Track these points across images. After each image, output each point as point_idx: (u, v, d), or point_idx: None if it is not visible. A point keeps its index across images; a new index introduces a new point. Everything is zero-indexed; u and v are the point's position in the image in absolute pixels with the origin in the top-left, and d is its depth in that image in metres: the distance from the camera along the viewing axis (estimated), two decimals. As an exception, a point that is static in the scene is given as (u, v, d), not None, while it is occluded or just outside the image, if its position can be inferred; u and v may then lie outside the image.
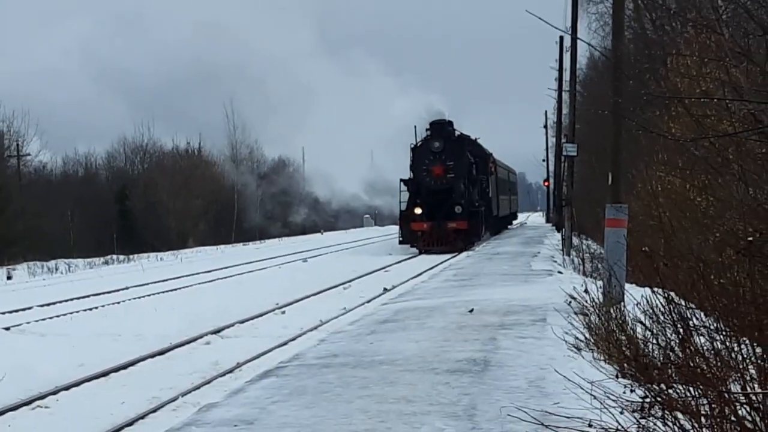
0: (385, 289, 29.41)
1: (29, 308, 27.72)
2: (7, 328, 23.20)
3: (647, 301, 10.73)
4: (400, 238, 50.50)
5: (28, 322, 24.31)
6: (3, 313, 26.54)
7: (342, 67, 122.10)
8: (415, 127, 53.34)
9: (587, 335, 12.77)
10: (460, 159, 50.72)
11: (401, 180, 51.93)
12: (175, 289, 33.50)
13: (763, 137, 9.81)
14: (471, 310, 18.62)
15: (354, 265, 40.85)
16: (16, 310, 27.23)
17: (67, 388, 15.28)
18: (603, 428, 6.71)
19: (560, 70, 55.46)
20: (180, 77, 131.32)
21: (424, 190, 49.87)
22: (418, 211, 49.25)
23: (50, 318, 25.27)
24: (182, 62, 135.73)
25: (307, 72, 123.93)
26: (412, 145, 51.61)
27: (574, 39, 36.57)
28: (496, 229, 64.56)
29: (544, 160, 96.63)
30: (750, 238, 8.05)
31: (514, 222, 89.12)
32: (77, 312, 26.57)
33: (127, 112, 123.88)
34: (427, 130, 51.50)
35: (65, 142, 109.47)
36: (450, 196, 49.23)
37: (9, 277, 46.57)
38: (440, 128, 50.98)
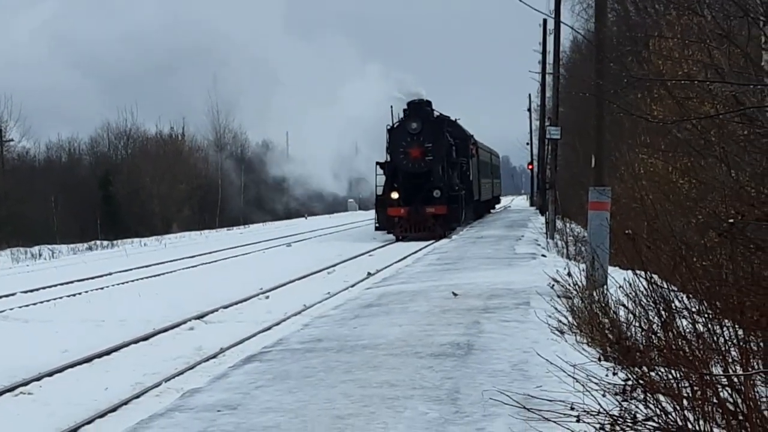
0: (369, 274, 29.42)
1: (12, 294, 27.61)
2: (-9, 314, 23.18)
3: (630, 284, 10.74)
4: (376, 224, 48.22)
5: (11, 309, 24.23)
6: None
7: (319, 50, 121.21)
8: (391, 107, 50.79)
9: (570, 319, 12.79)
10: (438, 140, 48.14)
11: (377, 163, 49.34)
12: (159, 275, 33.44)
13: (744, 119, 9.82)
14: (455, 294, 18.64)
15: (338, 249, 40.85)
16: (-1, 297, 27.15)
17: (50, 374, 15.24)
18: (585, 411, 6.71)
19: (543, 53, 54.62)
20: (158, 61, 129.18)
21: (401, 173, 47.50)
22: (394, 195, 46.89)
23: (33, 304, 25.18)
24: (158, 46, 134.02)
25: (283, 55, 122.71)
26: (389, 127, 48.99)
27: (558, 22, 36.58)
28: (477, 213, 62.44)
29: (528, 144, 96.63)
30: (731, 220, 8.05)
31: (497, 206, 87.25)
32: (61, 298, 26.50)
33: (109, 98, 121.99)
34: (404, 110, 48.92)
35: (47, 128, 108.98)
36: (428, 179, 46.93)
37: (-7, 263, 46.41)
38: (418, 108, 48.49)
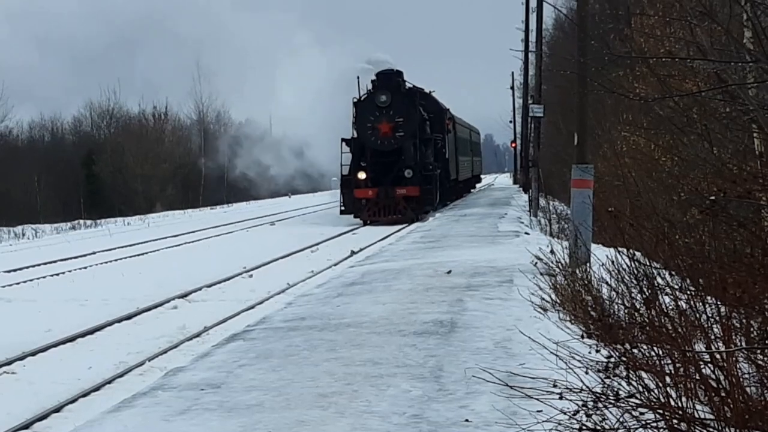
0: (353, 252, 29.43)
1: (-6, 274, 27.58)
2: (-27, 294, 23.12)
3: (612, 262, 10.78)
4: (342, 207, 43.71)
5: (-6, 288, 24.20)
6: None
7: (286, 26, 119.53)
8: (358, 78, 44.63)
9: (553, 296, 12.81)
10: (410, 115, 43.31)
11: (342, 140, 44.29)
12: (143, 254, 33.42)
13: (726, 96, 9.82)
14: (449, 272, 18.65)
15: (321, 228, 40.96)
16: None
17: (33, 353, 15.22)
18: (568, 388, 6.71)
19: (526, 31, 54.35)
20: (136, 38, 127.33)
21: (368, 151, 43.13)
22: (361, 175, 42.61)
23: (17, 284, 25.15)
24: (135, 22, 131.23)
25: (250, 29, 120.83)
26: (355, 99, 43.90)
27: (540, 0, 36.54)
28: (455, 194, 58.48)
29: (511, 122, 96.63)
30: (713, 198, 8.05)
31: (478, 185, 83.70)
32: (44, 277, 26.46)
33: (92, 77, 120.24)
34: (372, 81, 44.05)
35: (30, 107, 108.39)
36: (399, 158, 42.73)
37: (-26, 243, 46.27)
38: (387, 79, 43.70)
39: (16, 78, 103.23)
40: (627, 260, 10.02)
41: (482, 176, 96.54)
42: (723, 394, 6.23)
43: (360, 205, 42.78)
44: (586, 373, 7.10)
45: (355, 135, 43.81)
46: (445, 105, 53.18)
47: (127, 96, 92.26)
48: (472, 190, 73.90)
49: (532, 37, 46.02)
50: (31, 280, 25.84)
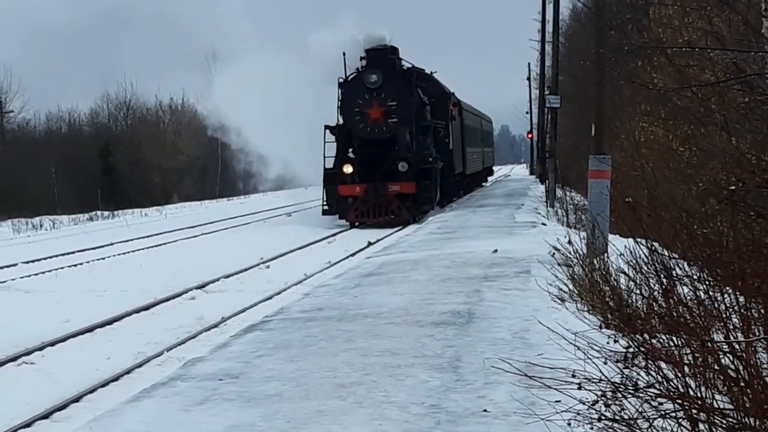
0: (370, 243, 29.41)
1: (14, 265, 27.64)
2: (-7, 285, 23.21)
3: (630, 252, 10.76)
4: (324, 207, 37.65)
5: (13, 279, 24.28)
6: (-13, 270, 26.52)
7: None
8: (344, 54, 37.93)
9: (571, 286, 12.81)
10: (406, 98, 37.03)
11: (326, 127, 37.69)
12: (160, 245, 33.47)
13: (745, 86, 9.80)
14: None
15: (337, 219, 40.78)
16: (1, 267, 27.15)
17: (52, 344, 15.26)
18: (586, 378, 6.72)
19: (543, 21, 53.76)
20: (143, 29, 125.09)
21: (357, 140, 36.88)
22: (348, 169, 36.47)
23: (35, 275, 25.22)
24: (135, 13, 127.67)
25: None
26: (341, 80, 37.64)
27: (557, -9, 36.51)
28: (462, 189, 51.56)
29: (527, 113, 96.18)
30: (732, 188, 8.04)
31: (490, 178, 77.19)
32: (62, 268, 26.54)
33: (108, 67, 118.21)
34: (361, 58, 37.82)
35: (47, 98, 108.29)
36: (392, 148, 36.41)
37: (-7, 234, 46.42)
38: (379, 57, 37.43)
39: (24, 70, 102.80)
40: (645, 250, 10.01)
41: (495, 168, 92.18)
42: (742, 384, 6.23)
43: (346, 204, 36.84)
44: (605, 363, 7.10)
45: (341, 121, 37.71)
46: (449, 89, 46.49)
47: (144, 87, 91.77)
48: (483, 184, 67.98)
49: (549, 27, 45.50)
50: (49, 271, 25.91)
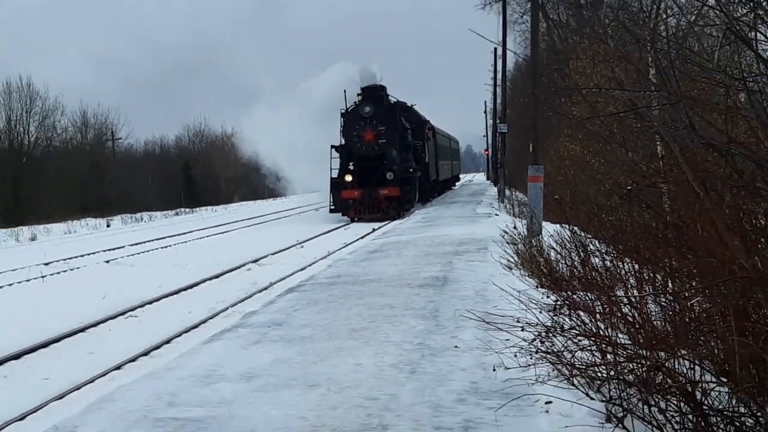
0: (373, 229, 29.36)
1: (122, 247, 27.72)
2: (107, 261, 23.24)
3: (558, 234, 10.76)
4: (331, 207, 36.05)
5: (122, 257, 24.33)
6: (105, 251, 26.54)
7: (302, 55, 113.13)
8: (344, 91, 36.87)
9: (516, 258, 12.79)
10: (392, 124, 36.01)
11: (332, 146, 36.41)
12: (225, 232, 33.54)
13: (637, 116, 9.77)
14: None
15: (341, 215, 40.53)
16: (114, 249, 27.20)
17: (150, 302, 15.30)
18: (527, 323, 6.71)
19: (495, 71, 53.49)
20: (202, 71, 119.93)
21: (355, 156, 35.65)
22: (348, 178, 35.24)
23: (138, 254, 25.28)
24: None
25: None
26: (343, 110, 36.59)
27: (504, 50, 36.36)
28: (436, 191, 50.33)
29: (484, 135, 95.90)
30: (629, 187, 8.03)
31: (457, 183, 73.85)
32: (156, 249, 26.58)
33: (187, 104, 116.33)
34: (358, 95, 36.69)
35: (145, 129, 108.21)
36: (382, 162, 35.27)
37: (108, 226, 46.42)
38: (372, 93, 36.33)
39: (128, 108, 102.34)
40: (568, 233, 10.02)
41: (462, 176, 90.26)
42: (637, 326, 6.23)
43: (347, 205, 35.38)
44: (540, 312, 7.10)
45: (343, 142, 36.40)
46: (425, 117, 45.01)
47: (212, 119, 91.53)
48: (453, 187, 65.79)
49: (500, 75, 45.37)
50: (147, 251, 25.95)
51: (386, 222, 32.91)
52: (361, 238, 26.22)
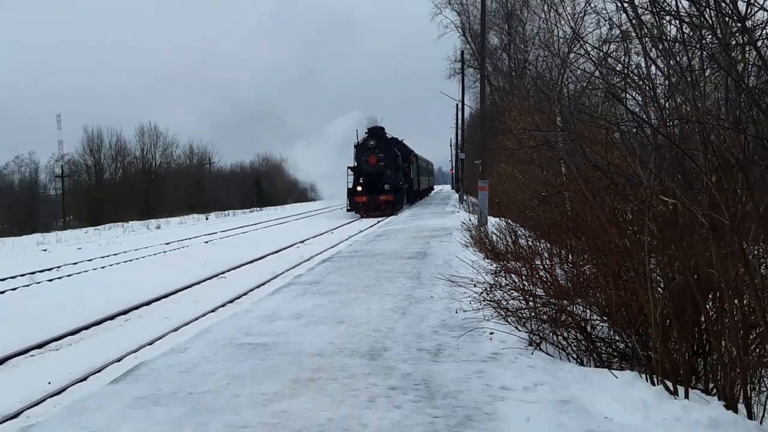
0: (379, 221, 29.28)
1: (215, 233, 27.62)
2: (206, 242, 23.15)
3: (497, 224, 10.72)
4: (347, 207, 35.59)
5: (216, 239, 24.24)
6: (204, 235, 26.46)
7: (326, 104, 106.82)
8: (356, 131, 37.71)
9: (470, 240, 12.76)
10: (389, 153, 36.01)
11: (348, 167, 35.94)
12: (284, 223, 33.45)
13: (549, 148, 9.75)
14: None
15: (354, 213, 40.35)
16: (210, 234, 27.14)
17: (234, 268, 15.28)
18: (478, 282, 6.70)
19: (457, 118, 53.12)
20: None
21: (363, 174, 35.18)
22: (359, 188, 34.81)
23: (227, 237, 25.21)
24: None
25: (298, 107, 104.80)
26: (355, 143, 36.58)
27: (463, 104, 36.33)
28: (418, 197, 49.60)
29: (450, 160, 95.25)
30: (544, 194, 8.01)
31: (432, 192, 74.27)
32: (238, 234, 26.52)
33: (257, 138, 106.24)
34: (366, 133, 36.70)
35: (230, 154, 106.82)
36: (382, 177, 34.89)
37: (206, 219, 46.20)
38: (375, 131, 36.45)
39: (215, 139, 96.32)
40: (504, 223, 9.99)
41: (435, 187, 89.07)
42: (549, 284, 6.21)
43: (358, 206, 34.73)
44: (486, 275, 7.08)
45: (355, 164, 35.95)
46: (411, 148, 45.19)
47: (274, 149, 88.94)
48: (429, 194, 66.51)
49: (461, 120, 45.19)
50: (233, 235, 25.87)
51: (385, 218, 32.92)
52: (369, 227, 26.20)
